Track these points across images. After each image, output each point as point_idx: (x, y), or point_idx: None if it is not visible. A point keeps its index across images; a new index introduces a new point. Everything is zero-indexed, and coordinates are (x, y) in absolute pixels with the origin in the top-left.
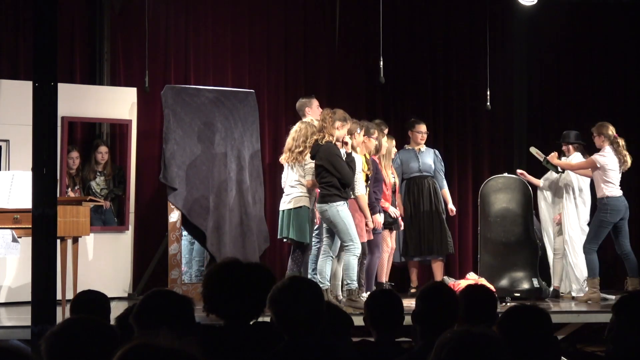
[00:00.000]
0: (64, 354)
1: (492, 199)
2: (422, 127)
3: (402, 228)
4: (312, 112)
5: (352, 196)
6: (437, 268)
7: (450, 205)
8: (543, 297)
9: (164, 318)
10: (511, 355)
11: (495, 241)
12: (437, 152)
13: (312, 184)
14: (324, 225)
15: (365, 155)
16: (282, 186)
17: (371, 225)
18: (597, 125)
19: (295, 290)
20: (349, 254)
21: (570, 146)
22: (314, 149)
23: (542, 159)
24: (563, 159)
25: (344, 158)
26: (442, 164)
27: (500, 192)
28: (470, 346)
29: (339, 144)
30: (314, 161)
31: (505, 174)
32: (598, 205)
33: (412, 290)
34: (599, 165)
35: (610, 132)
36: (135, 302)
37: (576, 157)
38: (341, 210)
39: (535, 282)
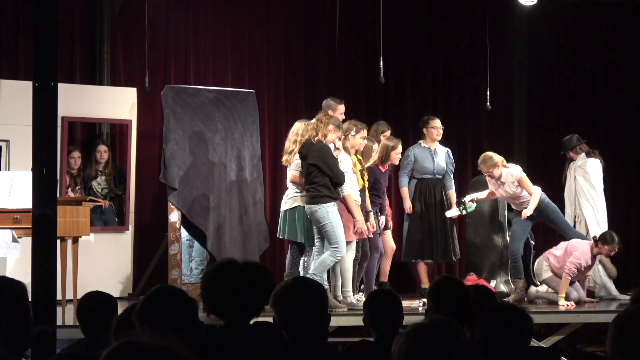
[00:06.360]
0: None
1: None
2: (437, 122)
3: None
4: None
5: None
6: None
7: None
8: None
9: (167, 315)
10: (487, 355)
11: (469, 242)
12: (449, 151)
13: (296, 179)
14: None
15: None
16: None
17: (358, 226)
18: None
19: (299, 290)
20: (330, 253)
21: (577, 148)
22: (305, 148)
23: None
24: (579, 161)
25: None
26: (453, 165)
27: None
28: (435, 335)
29: (331, 146)
30: (299, 158)
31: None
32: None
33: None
34: None
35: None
36: (134, 302)
37: (592, 164)
38: (331, 211)
39: (493, 284)
